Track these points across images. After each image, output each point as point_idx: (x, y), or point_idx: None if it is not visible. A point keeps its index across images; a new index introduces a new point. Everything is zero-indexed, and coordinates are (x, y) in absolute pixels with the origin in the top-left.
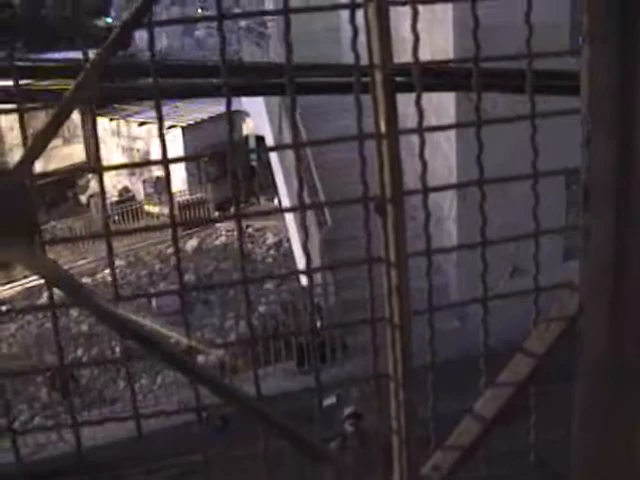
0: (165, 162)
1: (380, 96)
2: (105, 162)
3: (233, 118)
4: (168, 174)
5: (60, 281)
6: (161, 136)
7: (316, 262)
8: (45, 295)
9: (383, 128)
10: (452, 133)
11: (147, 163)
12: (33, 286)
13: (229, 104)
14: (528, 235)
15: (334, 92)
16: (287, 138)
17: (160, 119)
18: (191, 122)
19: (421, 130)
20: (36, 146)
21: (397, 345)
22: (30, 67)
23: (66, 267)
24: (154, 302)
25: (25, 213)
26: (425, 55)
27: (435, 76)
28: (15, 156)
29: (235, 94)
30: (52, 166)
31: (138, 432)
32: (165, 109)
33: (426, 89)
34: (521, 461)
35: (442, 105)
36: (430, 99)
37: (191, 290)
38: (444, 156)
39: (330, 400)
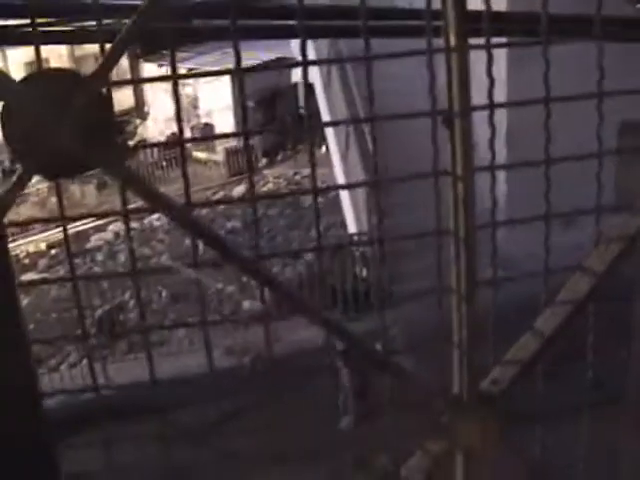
0: (239, 72)
1: (451, 12)
2: (152, 108)
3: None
4: (242, 84)
5: (138, 186)
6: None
7: (362, 208)
8: (93, 239)
9: (453, 43)
10: (503, 73)
11: (221, 72)
12: (81, 230)
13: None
14: (591, 155)
15: (404, 35)
16: (336, 85)
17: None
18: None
19: (489, 46)
20: (111, 57)
21: (462, 258)
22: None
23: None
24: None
25: (104, 120)
26: (477, 4)
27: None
28: None
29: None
30: None
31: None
32: (215, 55)
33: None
34: (578, 380)
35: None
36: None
37: (262, 197)
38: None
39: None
